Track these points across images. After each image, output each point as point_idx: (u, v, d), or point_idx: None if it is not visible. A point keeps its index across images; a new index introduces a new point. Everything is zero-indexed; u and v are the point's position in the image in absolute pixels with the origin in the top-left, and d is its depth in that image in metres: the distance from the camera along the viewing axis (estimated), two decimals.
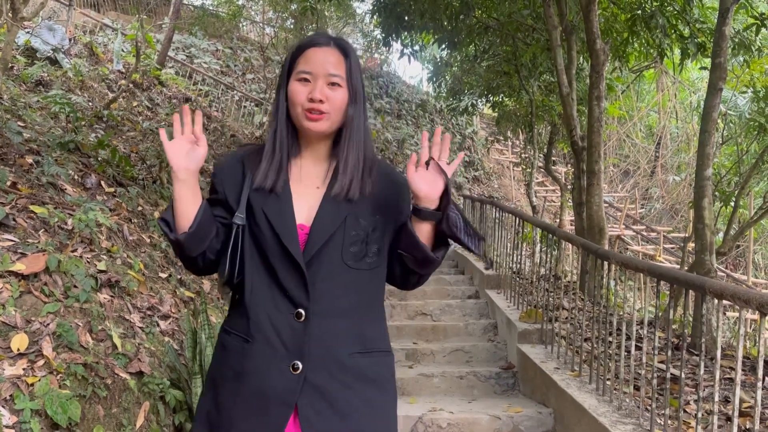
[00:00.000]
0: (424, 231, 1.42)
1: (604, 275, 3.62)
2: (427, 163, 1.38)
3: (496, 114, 13.31)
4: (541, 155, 11.86)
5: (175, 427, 3.07)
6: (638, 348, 3.51)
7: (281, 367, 1.36)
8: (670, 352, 3.17)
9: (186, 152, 1.39)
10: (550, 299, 4.68)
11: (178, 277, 4.14)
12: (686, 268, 7.06)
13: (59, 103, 5.24)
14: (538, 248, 5.55)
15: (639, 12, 6.71)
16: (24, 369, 2.44)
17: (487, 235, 7.10)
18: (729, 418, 3.04)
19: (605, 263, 3.58)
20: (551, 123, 11.22)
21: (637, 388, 3.42)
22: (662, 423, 2.79)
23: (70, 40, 9.38)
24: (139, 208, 4.45)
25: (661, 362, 3.72)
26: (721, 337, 2.57)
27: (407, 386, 4.43)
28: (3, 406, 2.26)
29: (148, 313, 3.48)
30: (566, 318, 4.94)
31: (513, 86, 10.78)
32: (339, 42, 1.47)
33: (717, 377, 2.45)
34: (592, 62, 6.38)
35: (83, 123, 5.57)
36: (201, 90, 12.65)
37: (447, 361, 4.99)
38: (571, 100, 6.86)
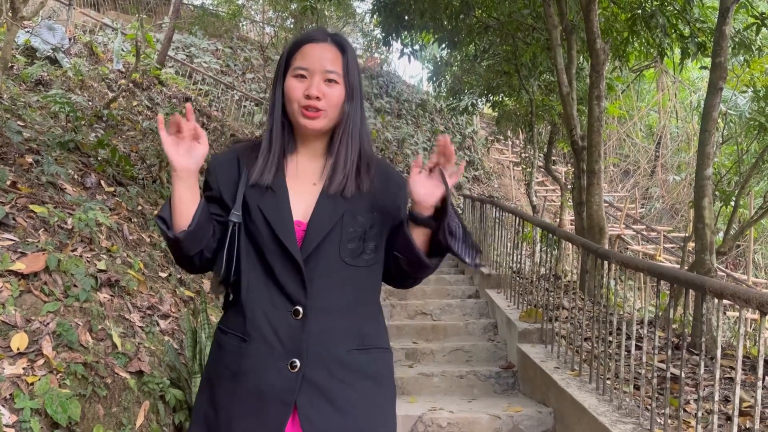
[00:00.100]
0: (419, 236, 1.41)
1: (605, 275, 3.62)
2: (432, 170, 1.37)
3: (496, 113, 13.30)
4: (541, 155, 11.86)
5: (175, 427, 3.07)
6: (638, 347, 3.51)
7: (279, 366, 1.35)
8: (670, 352, 3.17)
9: (186, 150, 1.36)
10: (550, 299, 4.67)
11: (178, 276, 4.14)
12: (686, 267, 7.06)
13: (59, 103, 5.25)
14: (538, 248, 5.55)
15: (639, 11, 6.71)
16: (24, 368, 2.44)
17: (487, 235, 7.10)
18: (729, 418, 3.04)
19: (605, 263, 3.58)
20: (551, 122, 11.22)
21: (637, 388, 3.41)
22: (662, 422, 2.79)
23: (69, 39, 9.38)
24: (139, 208, 4.45)
25: (661, 362, 3.72)
26: (721, 337, 2.56)
27: (407, 386, 4.43)
28: (3, 406, 2.26)
29: (148, 312, 3.48)
30: (566, 317, 4.94)
31: (513, 86, 10.77)
32: (336, 38, 1.46)
33: (717, 377, 2.45)
34: (592, 62, 6.37)
35: (83, 122, 5.57)
36: (201, 89, 12.65)
37: (447, 361, 4.99)
38: (571, 100, 6.86)
